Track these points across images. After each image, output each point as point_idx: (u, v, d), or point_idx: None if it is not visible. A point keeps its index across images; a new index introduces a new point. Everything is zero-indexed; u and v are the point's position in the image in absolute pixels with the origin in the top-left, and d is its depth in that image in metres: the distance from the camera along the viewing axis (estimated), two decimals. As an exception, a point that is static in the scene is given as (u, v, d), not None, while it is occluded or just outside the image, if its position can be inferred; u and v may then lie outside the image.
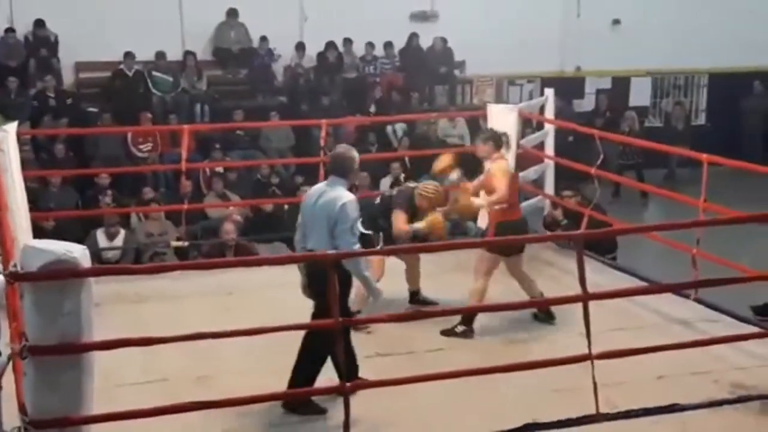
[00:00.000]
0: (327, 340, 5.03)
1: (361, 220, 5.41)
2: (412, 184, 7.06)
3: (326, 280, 4.57)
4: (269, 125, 12.97)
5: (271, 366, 5.64)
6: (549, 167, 9.31)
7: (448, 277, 7.74)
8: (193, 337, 4.56)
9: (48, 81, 13.05)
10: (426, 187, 6.83)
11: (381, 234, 6.69)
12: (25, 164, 7.89)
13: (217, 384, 5.67)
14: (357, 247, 5.19)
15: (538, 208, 9.40)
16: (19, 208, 6.88)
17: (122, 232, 10.06)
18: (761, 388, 5.59)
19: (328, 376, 5.23)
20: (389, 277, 6.56)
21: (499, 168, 6.67)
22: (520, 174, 8.98)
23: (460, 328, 6.43)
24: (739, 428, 5.23)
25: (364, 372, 5.42)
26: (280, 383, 5.34)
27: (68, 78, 13.96)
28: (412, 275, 7.15)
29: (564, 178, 9.49)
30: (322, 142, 9.35)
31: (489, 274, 6.57)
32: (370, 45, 14.94)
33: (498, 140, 6.90)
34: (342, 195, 5.31)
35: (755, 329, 6.53)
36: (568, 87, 15.52)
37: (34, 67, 13.43)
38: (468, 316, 6.42)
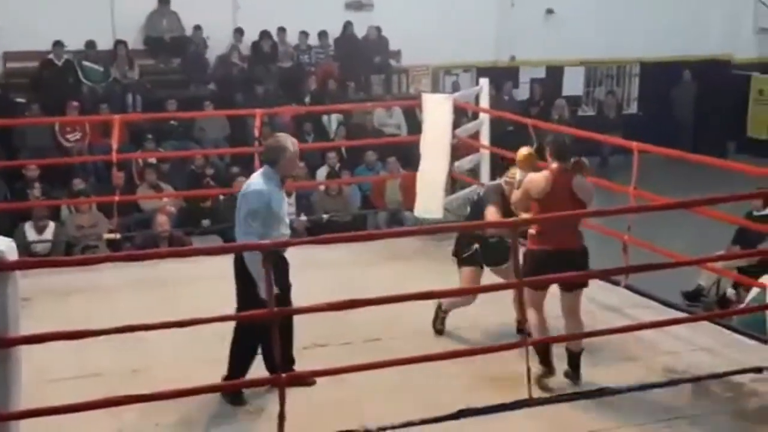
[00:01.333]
0: (253, 331, 5.09)
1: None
2: (498, 180, 6.48)
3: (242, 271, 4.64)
4: (203, 115, 12.81)
5: (206, 357, 5.60)
6: (484, 157, 9.36)
7: (385, 266, 7.77)
8: (126, 329, 4.48)
9: (-26, 71, 12.72)
10: (510, 173, 6.21)
11: (477, 247, 6.20)
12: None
13: (151, 377, 5.61)
14: (252, 237, 5.13)
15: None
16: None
17: (52, 225, 9.86)
18: (692, 372, 5.71)
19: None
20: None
21: (528, 179, 5.72)
22: (456, 164, 9.04)
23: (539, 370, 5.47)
24: (671, 411, 5.33)
25: (303, 363, 5.39)
26: (215, 374, 5.29)
27: (-5, 68, 13.63)
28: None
29: (501, 167, 9.54)
30: (256, 132, 9.26)
31: (536, 306, 5.56)
32: (305, 34, 14.84)
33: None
34: (252, 183, 5.35)
35: (684, 315, 6.67)
36: (503, 76, 15.64)
37: (-41, 57, 13.07)
38: (542, 355, 5.47)
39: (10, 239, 4.18)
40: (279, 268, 5.13)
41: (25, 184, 10.93)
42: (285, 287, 5.29)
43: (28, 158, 11.54)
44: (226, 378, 5.36)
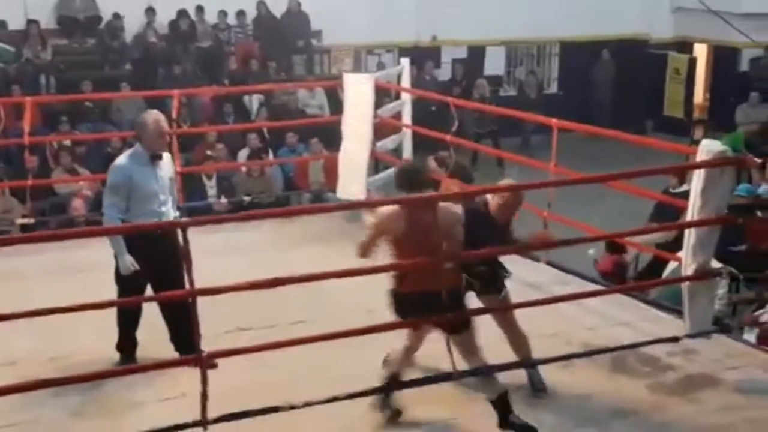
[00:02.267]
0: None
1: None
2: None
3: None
4: (120, 96, 12.52)
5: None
6: (406, 136, 9.35)
7: (308, 248, 7.71)
8: (42, 312, 4.33)
9: None
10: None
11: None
12: None
13: (71, 364, 5.49)
14: (111, 210, 5.47)
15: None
16: None
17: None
18: (610, 346, 5.78)
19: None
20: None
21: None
22: (378, 144, 9.00)
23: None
24: (591, 383, 5.41)
25: (224, 347, 5.29)
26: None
27: None
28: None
29: (424, 147, 9.54)
30: (174, 113, 9.08)
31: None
32: (223, 13, 14.62)
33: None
34: (117, 159, 5.71)
35: (604, 289, 6.77)
36: (424, 56, 15.65)
37: None
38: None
39: None
40: (160, 246, 5.21)
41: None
42: (168, 266, 5.18)
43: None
44: (117, 345, 5.72)
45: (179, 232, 4.33)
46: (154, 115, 5.71)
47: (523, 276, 7.02)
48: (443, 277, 4.73)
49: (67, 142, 11.37)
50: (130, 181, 5.48)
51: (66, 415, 5.05)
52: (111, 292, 5.73)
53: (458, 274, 4.93)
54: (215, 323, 5.33)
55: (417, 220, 4.72)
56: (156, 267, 5.44)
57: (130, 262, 5.49)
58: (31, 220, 8.80)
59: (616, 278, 8.23)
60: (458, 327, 4.84)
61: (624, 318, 6.35)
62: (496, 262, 5.36)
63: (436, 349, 4.99)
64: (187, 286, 4.40)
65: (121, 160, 5.61)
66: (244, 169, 11.40)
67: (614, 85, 17.69)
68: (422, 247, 4.70)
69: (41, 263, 7.19)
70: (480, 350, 4.88)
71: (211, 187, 10.89)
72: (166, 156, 5.86)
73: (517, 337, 5.35)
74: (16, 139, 9.91)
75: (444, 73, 16.53)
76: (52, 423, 5.04)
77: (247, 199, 10.54)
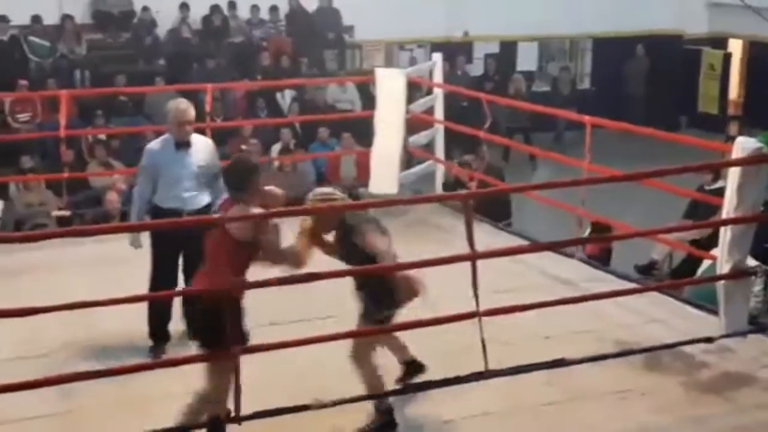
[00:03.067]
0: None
1: None
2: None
3: None
4: (153, 90, 12.61)
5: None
6: (439, 131, 9.34)
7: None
8: (76, 305, 4.40)
9: None
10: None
11: None
12: None
13: (104, 355, 5.54)
14: (134, 191, 5.98)
15: (429, 172, 9.43)
16: None
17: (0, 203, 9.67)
18: (644, 345, 5.75)
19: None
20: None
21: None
22: (410, 139, 9.00)
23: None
24: (624, 382, 5.37)
25: (257, 341, 5.32)
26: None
27: (-64, 43, 13.27)
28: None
29: (456, 142, 9.54)
30: (207, 108, 9.13)
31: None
32: (256, 8, 14.67)
33: None
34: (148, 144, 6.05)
35: (638, 287, 6.72)
36: (456, 52, 15.62)
37: None
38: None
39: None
40: (186, 233, 5.22)
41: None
42: (194, 254, 5.06)
43: (-27, 135, 11.31)
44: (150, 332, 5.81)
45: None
46: (176, 104, 5.91)
47: (555, 272, 7.02)
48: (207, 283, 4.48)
49: (102, 136, 11.48)
50: (154, 164, 5.81)
51: (97, 406, 5.08)
52: (144, 283, 5.80)
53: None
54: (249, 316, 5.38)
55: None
56: (184, 252, 5.67)
57: (137, 241, 5.92)
58: (67, 213, 8.90)
59: (603, 261, 8.13)
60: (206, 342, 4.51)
61: (658, 315, 6.30)
62: (372, 285, 4.78)
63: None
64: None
65: (151, 144, 5.97)
66: (276, 163, 11.44)
67: (648, 81, 17.53)
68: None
69: (77, 255, 7.23)
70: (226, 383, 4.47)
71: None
72: (202, 145, 5.98)
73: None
74: (52, 132, 10.01)
75: (476, 69, 16.48)
76: (84, 415, 5.07)
77: (279, 193, 10.56)
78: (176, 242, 5.63)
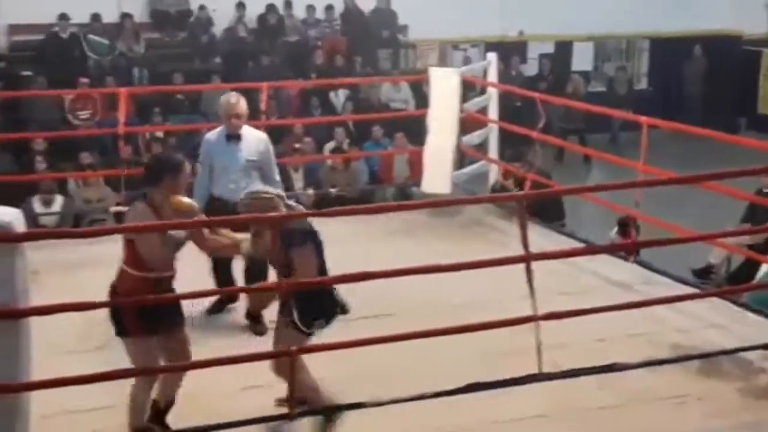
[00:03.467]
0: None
1: None
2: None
3: None
4: (209, 88, 12.75)
5: (216, 326, 5.64)
6: (492, 131, 9.30)
7: (392, 241, 7.73)
8: (130, 301, 4.47)
9: (-21, 44, 12.67)
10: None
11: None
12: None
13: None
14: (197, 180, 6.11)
15: (482, 172, 9.40)
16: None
17: (59, 198, 9.83)
18: (700, 349, 5.67)
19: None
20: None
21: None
22: (463, 138, 8.98)
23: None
24: (679, 387, 5.31)
25: (312, 337, 5.36)
26: (224, 345, 5.28)
27: (1, 41, 13.56)
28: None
29: (509, 142, 9.49)
30: (262, 106, 9.20)
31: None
32: (311, 8, 14.76)
33: None
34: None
35: (695, 291, 6.62)
36: (511, 51, 15.54)
37: (-36, 29, 13.03)
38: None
39: (18, 210, 4.15)
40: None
41: (31, 158, 10.90)
42: None
43: (35, 131, 11.52)
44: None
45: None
46: (226, 98, 6.11)
47: (611, 275, 6.95)
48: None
49: (160, 134, 11.64)
50: (208, 153, 6.13)
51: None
52: (194, 278, 5.86)
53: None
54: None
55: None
56: None
57: None
58: (125, 209, 8.99)
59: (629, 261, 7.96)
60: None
61: (715, 320, 6.20)
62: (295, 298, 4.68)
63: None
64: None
65: (208, 134, 6.25)
66: (329, 162, 11.50)
67: (705, 82, 17.27)
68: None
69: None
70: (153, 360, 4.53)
71: (297, 179, 11.04)
72: (254, 139, 6.11)
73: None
74: (111, 129, 10.17)
75: (530, 69, 16.38)
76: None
77: (332, 191, 10.64)
78: None
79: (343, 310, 4.78)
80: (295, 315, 4.58)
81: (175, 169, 4.55)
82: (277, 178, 6.22)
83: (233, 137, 6.05)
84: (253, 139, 6.12)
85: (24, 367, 4.07)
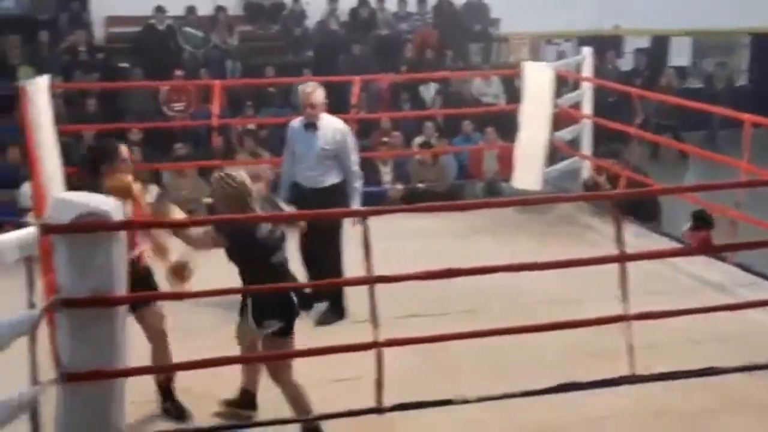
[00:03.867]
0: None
1: None
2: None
3: None
4: (301, 81, 12.82)
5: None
6: (586, 127, 9.13)
7: (481, 238, 7.66)
8: (227, 291, 4.53)
9: (79, 35, 12.98)
10: None
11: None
12: (56, 118, 7.84)
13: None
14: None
15: (574, 169, 9.25)
16: (51, 162, 6.85)
17: (153, 189, 10.02)
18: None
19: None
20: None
21: None
22: (556, 134, 8.84)
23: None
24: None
25: (393, 333, 5.34)
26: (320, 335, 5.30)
27: (99, 32, 13.91)
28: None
29: (604, 139, 9.31)
30: (354, 99, 9.22)
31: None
32: (403, 1, 14.75)
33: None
34: None
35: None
36: (605, 45, 15.23)
37: (65, 21, 13.38)
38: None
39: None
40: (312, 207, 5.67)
41: (127, 148, 11.12)
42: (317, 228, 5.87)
43: (131, 122, 11.78)
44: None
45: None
46: (303, 87, 6.28)
47: (705, 275, 6.75)
48: None
49: (252, 126, 11.77)
50: (290, 140, 6.35)
51: (230, 391, 5.14)
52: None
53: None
54: (385, 308, 5.39)
55: None
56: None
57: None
58: (217, 200, 9.13)
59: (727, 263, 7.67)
60: None
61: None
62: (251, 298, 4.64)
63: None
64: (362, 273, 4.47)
65: (292, 121, 6.44)
66: (418, 156, 11.47)
67: (809, 78, 16.67)
68: None
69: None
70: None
71: (386, 173, 11.03)
72: (330, 128, 6.18)
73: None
74: (204, 121, 10.33)
75: (625, 64, 16.04)
76: (212, 398, 5.08)
77: (421, 186, 10.61)
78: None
79: (305, 304, 4.88)
80: (249, 313, 4.58)
81: (110, 157, 4.77)
82: (354, 168, 6.29)
83: (310, 125, 6.20)
84: (330, 129, 6.21)
85: (121, 354, 4.16)
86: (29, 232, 4.07)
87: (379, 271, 4.49)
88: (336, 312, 6.20)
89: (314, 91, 6.18)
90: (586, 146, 9.12)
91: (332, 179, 6.21)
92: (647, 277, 6.27)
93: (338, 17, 14.47)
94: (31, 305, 4.04)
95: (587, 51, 9.20)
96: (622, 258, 4.91)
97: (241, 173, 4.63)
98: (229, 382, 4.91)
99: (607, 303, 6.07)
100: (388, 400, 4.50)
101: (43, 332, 4.20)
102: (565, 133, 9.13)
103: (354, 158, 6.30)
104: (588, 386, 4.76)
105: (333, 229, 6.17)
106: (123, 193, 4.61)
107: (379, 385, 4.48)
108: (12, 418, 3.94)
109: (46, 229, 4.02)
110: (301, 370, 5.10)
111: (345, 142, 6.25)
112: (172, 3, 13.51)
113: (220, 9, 13.93)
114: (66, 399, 4.07)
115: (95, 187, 4.55)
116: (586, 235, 7.77)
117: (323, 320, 6.20)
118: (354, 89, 9.26)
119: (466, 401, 4.54)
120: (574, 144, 9.35)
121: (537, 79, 8.69)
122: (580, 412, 4.93)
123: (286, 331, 4.60)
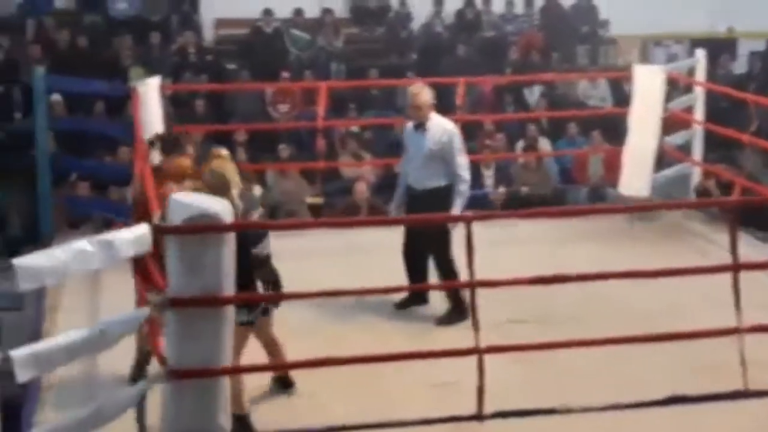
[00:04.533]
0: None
1: None
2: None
3: None
4: (407, 83, 12.82)
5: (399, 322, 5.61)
6: (698, 133, 8.87)
7: (586, 244, 7.51)
8: (326, 294, 4.56)
9: (188, 37, 13.26)
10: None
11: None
12: (166, 119, 8.05)
13: (345, 342, 5.67)
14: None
15: (683, 175, 8.99)
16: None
17: (258, 189, 10.16)
18: None
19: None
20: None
21: None
22: (665, 139, 8.61)
23: None
24: None
25: (495, 338, 5.28)
26: (405, 340, 5.28)
27: (208, 34, 14.20)
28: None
29: (715, 145, 9.02)
30: (458, 101, 9.18)
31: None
32: (510, 3, 14.61)
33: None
34: None
35: None
36: (718, 48, 14.74)
37: (176, 22, 13.70)
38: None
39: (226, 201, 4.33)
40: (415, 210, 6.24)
41: (233, 149, 11.30)
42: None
43: (238, 123, 11.98)
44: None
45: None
46: (412, 87, 6.47)
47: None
48: None
49: (355, 128, 11.83)
50: (404, 142, 6.57)
51: (330, 392, 5.18)
52: (384, 273, 5.91)
53: None
54: (487, 313, 5.33)
55: None
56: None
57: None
58: (320, 201, 9.24)
59: None
60: None
61: None
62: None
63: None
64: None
65: (408, 123, 6.58)
66: (521, 160, 11.33)
67: None
68: None
69: (327, 243, 7.44)
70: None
71: (488, 176, 10.95)
72: (438, 128, 6.27)
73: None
74: (308, 122, 10.43)
75: (738, 67, 15.49)
76: (311, 399, 5.19)
77: (524, 190, 10.49)
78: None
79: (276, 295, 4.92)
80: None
81: (177, 148, 5.51)
82: (460, 172, 6.27)
83: (419, 126, 6.31)
84: (437, 130, 6.28)
85: (226, 353, 4.22)
86: (144, 230, 4.16)
87: (482, 275, 4.45)
88: (459, 312, 6.15)
89: (420, 92, 6.26)
90: (697, 152, 8.85)
91: (437, 181, 6.25)
92: (759, 290, 6.03)
93: (443, 19, 14.42)
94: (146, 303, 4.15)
95: (701, 54, 8.95)
96: (736, 267, 4.74)
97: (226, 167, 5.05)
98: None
99: (718, 314, 5.90)
100: (489, 408, 4.45)
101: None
102: (674, 139, 8.88)
103: (460, 161, 6.28)
104: (698, 400, 4.62)
105: (440, 233, 6.14)
106: (178, 176, 5.07)
107: (480, 391, 4.43)
108: (119, 414, 4.04)
109: (160, 230, 4.11)
110: (403, 371, 5.12)
111: (451, 143, 6.26)
112: (280, 5, 13.68)
113: (326, 11, 14.05)
114: (172, 396, 4.15)
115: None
116: (696, 243, 7.54)
117: (446, 320, 6.20)
118: (459, 91, 9.19)
119: (569, 410, 4.45)
120: (683, 149, 9.09)
121: (648, 83, 8.47)
122: (688, 427, 4.77)
123: (251, 322, 4.78)
